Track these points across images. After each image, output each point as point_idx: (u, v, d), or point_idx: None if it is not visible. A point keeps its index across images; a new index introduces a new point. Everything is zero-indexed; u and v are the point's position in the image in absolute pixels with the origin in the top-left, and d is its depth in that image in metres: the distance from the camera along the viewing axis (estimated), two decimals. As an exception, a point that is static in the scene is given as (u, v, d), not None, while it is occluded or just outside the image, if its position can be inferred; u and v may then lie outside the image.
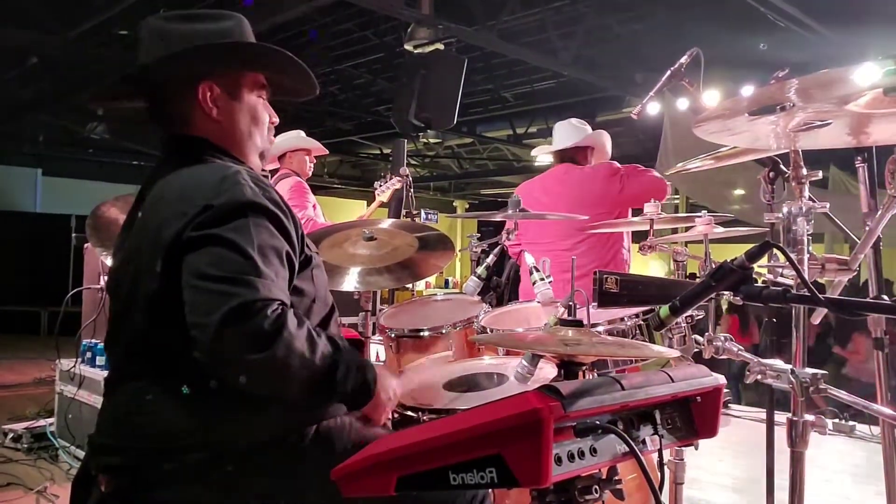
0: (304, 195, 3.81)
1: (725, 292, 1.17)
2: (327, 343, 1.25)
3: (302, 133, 4.10)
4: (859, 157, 1.81)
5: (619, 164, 3.34)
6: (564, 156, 3.44)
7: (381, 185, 4.21)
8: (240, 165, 1.38)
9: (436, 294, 3.23)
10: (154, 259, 1.24)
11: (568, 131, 3.44)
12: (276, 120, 1.55)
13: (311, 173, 4.05)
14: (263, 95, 1.50)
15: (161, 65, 1.39)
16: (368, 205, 4.55)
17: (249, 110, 1.46)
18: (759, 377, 1.58)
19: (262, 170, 1.64)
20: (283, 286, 1.24)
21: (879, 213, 1.62)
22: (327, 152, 4.37)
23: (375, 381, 1.35)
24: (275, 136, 1.59)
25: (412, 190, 4.52)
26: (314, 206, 3.85)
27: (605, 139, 3.51)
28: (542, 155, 3.62)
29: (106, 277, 3.89)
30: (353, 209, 13.54)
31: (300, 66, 1.47)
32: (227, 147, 1.44)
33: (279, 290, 1.20)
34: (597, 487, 1.07)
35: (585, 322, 1.51)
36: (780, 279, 1.67)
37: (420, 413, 1.69)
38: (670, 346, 1.93)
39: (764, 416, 2.35)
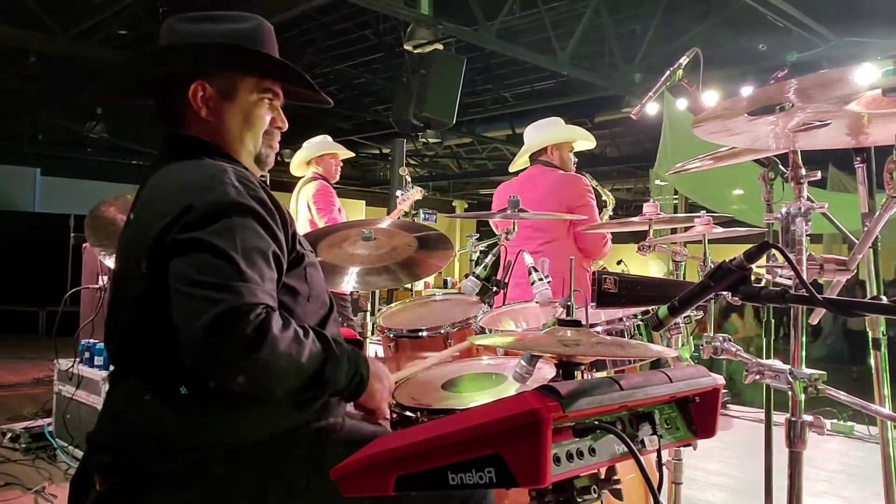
0: (330, 199, 4.11)
1: (724, 292, 1.17)
2: (315, 341, 1.25)
3: (328, 138, 4.41)
4: (858, 158, 1.81)
5: (587, 184, 3.34)
6: (533, 158, 3.45)
7: (402, 195, 4.40)
8: (231, 164, 1.37)
9: (434, 294, 3.23)
10: (139, 259, 1.25)
11: (532, 134, 3.45)
12: (284, 125, 1.52)
13: (338, 176, 4.37)
14: (268, 98, 1.47)
15: (153, 58, 1.39)
16: (368, 205, 4.63)
17: (242, 112, 1.44)
18: (757, 377, 1.58)
19: (264, 175, 1.62)
20: (270, 288, 1.24)
21: (878, 213, 1.62)
22: (353, 155, 4.69)
23: (368, 371, 1.36)
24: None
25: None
26: (339, 210, 4.13)
27: (567, 133, 3.48)
28: (516, 167, 3.61)
29: (105, 277, 3.90)
30: (352, 209, 13.52)
31: (294, 70, 1.46)
32: (220, 147, 1.43)
33: (264, 294, 1.20)
34: (595, 487, 1.07)
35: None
36: (778, 279, 1.67)
37: (418, 413, 1.69)
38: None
39: (762, 416, 2.35)
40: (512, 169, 3.64)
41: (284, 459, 1.29)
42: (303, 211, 4.18)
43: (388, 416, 1.53)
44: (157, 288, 1.21)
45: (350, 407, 1.49)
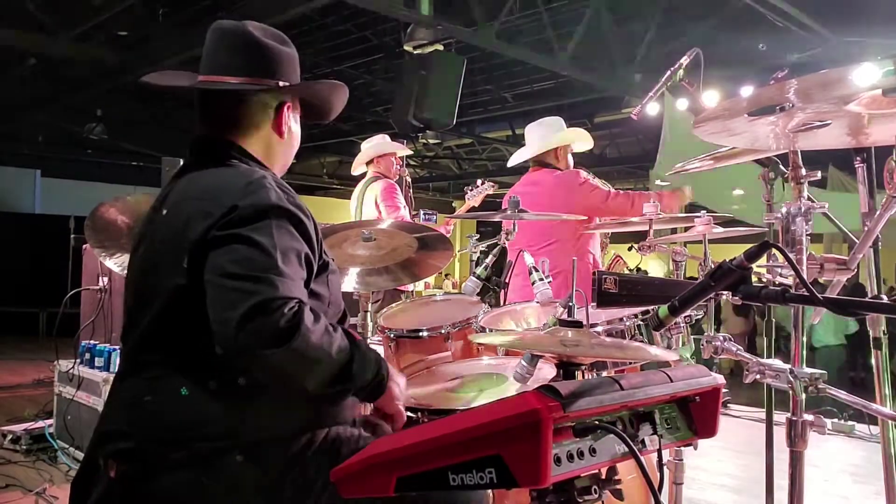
0: (396, 196, 4.21)
1: (724, 292, 1.17)
2: (343, 337, 1.29)
3: (387, 138, 4.56)
4: (858, 158, 1.81)
5: (583, 175, 3.34)
6: (538, 160, 3.45)
7: (472, 189, 4.45)
8: (265, 171, 1.43)
9: (435, 294, 3.23)
10: (179, 255, 1.29)
11: (537, 135, 3.45)
12: None
13: (397, 174, 4.47)
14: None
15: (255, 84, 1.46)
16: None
17: (294, 135, 1.56)
18: (757, 377, 1.58)
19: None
20: (301, 286, 1.29)
21: (878, 213, 1.62)
22: (410, 152, 4.64)
23: (389, 374, 1.40)
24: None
25: (411, 190, 4.58)
26: (404, 207, 4.25)
27: (574, 135, 3.52)
28: (517, 161, 3.63)
29: (105, 278, 3.90)
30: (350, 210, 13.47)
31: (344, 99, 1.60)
32: (259, 156, 1.48)
33: (297, 290, 1.25)
34: (596, 488, 1.07)
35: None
36: (778, 279, 1.67)
37: (419, 413, 1.69)
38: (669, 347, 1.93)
39: (763, 415, 2.35)
40: (511, 164, 3.63)
41: (301, 458, 1.30)
42: (371, 208, 4.24)
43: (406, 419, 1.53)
44: (194, 283, 1.25)
45: (368, 409, 1.50)
